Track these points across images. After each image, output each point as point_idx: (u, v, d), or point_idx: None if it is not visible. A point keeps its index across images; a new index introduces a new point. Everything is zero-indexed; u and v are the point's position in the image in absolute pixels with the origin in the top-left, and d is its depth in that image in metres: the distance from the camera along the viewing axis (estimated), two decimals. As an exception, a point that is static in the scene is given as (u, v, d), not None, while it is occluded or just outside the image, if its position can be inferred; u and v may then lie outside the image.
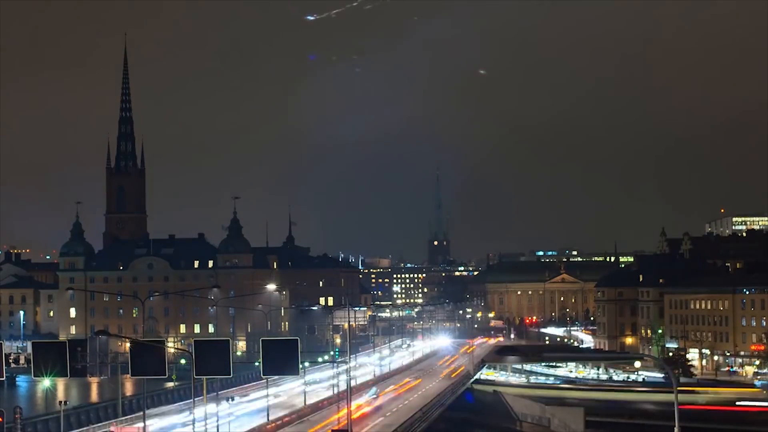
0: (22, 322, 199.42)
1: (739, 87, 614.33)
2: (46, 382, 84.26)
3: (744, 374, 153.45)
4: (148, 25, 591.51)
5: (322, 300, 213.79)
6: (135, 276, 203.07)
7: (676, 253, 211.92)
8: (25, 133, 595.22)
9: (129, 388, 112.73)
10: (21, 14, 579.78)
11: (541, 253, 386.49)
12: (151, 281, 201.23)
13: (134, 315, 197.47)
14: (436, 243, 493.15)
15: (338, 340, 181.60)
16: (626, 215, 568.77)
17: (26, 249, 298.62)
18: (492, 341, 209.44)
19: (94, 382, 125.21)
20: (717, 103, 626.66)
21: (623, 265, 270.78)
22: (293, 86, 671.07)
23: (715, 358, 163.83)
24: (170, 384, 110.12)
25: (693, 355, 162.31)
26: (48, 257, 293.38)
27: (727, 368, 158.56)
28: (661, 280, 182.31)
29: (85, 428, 76.72)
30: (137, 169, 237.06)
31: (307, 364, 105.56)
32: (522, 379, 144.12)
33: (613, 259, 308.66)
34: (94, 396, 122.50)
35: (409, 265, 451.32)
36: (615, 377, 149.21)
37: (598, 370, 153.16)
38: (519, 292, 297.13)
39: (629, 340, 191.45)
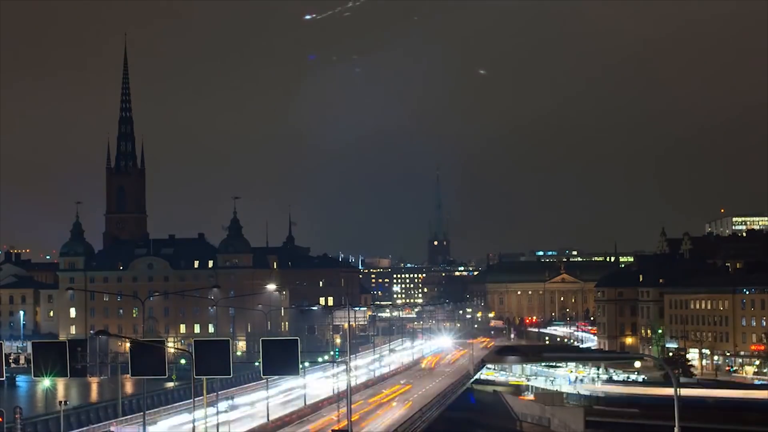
0: (22, 322, 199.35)
1: (739, 87, 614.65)
2: (46, 382, 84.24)
3: (744, 374, 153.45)
4: (148, 25, 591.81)
5: (322, 300, 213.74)
6: (135, 276, 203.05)
7: (676, 253, 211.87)
8: (25, 134, 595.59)
9: (129, 388, 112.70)
10: (21, 14, 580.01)
11: (541, 253, 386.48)
12: (151, 281, 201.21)
13: (134, 315, 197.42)
14: (436, 243, 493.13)
15: (338, 340, 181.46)
16: (626, 215, 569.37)
17: (26, 249, 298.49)
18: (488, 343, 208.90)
19: (94, 382, 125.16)
20: (717, 103, 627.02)
21: (623, 265, 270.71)
22: (293, 86, 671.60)
23: (715, 358, 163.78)
24: (170, 384, 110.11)
25: (693, 355, 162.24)
26: (48, 257, 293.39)
27: (727, 368, 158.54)
28: (661, 280, 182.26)
29: (85, 428, 76.72)
30: (137, 169, 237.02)
31: (307, 364, 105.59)
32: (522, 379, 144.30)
33: (613, 259, 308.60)
34: (94, 396, 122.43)
35: (409, 265, 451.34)
36: (615, 377, 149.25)
37: (598, 370, 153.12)
38: (519, 292, 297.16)
39: (629, 340, 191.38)
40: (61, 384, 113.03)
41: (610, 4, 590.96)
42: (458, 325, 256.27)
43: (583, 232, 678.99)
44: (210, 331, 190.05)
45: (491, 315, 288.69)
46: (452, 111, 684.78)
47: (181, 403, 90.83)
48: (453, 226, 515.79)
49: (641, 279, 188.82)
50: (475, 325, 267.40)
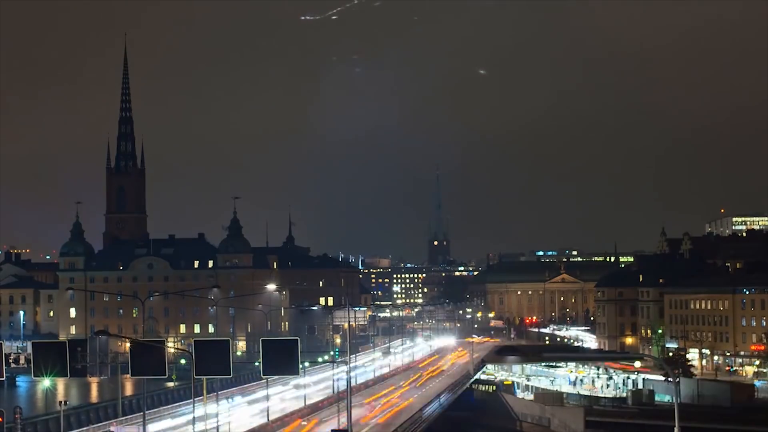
0: (22, 322, 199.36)
1: (740, 87, 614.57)
2: (46, 382, 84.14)
3: (744, 374, 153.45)
4: (148, 25, 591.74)
5: (322, 300, 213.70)
6: (135, 276, 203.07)
7: (676, 253, 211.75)
8: (26, 134, 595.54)
9: (129, 388, 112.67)
10: (21, 14, 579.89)
11: (541, 253, 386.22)
12: (151, 281, 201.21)
13: (134, 315, 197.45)
14: (436, 243, 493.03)
15: (338, 340, 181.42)
16: (626, 215, 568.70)
17: (26, 249, 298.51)
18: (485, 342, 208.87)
19: (94, 382, 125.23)
20: (717, 103, 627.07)
21: (623, 265, 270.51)
22: (293, 86, 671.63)
23: (715, 358, 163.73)
24: (170, 384, 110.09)
25: (693, 355, 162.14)
26: (48, 257, 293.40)
27: (727, 368, 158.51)
28: (661, 280, 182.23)
29: (85, 428, 76.62)
30: (137, 169, 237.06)
31: (307, 364, 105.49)
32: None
33: (613, 259, 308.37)
34: (94, 396, 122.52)
35: (409, 265, 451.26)
36: (615, 377, 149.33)
37: (598, 370, 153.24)
38: (519, 292, 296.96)
39: (629, 340, 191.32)
40: (61, 384, 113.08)
41: (611, 4, 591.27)
42: (458, 325, 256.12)
43: (583, 232, 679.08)
44: (210, 331, 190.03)
45: (491, 315, 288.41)
46: (452, 111, 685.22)
47: (180, 403, 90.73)
48: (453, 226, 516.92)
49: (641, 279, 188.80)
50: (475, 326, 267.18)
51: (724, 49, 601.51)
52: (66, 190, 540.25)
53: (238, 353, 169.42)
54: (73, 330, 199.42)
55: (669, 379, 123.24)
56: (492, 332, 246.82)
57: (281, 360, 52.93)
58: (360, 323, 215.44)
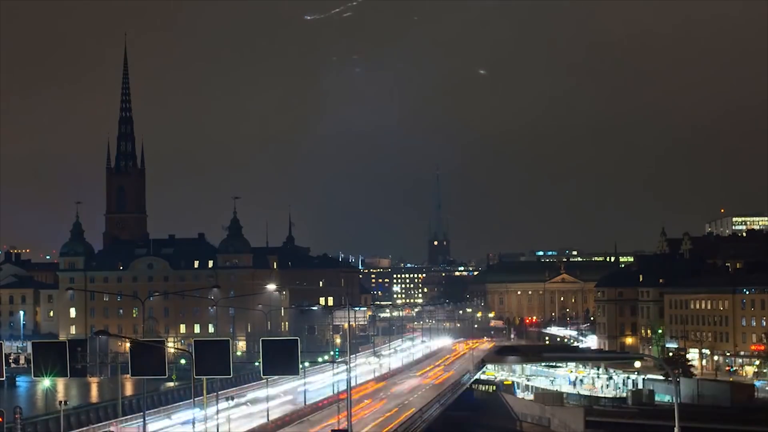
0: (22, 322, 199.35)
1: (739, 86, 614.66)
2: (46, 382, 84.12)
3: (744, 374, 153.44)
4: (148, 25, 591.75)
5: (322, 300, 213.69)
6: (135, 276, 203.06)
7: (676, 253, 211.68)
8: (26, 134, 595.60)
9: (129, 388, 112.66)
10: (21, 14, 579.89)
11: (541, 253, 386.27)
12: (151, 281, 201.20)
13: (134, 315, 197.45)
14: (436, 243, 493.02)
15: (338, 340, 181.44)
16: (626, 215, 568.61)
17: (26, 249, 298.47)
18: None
19: (94, 382, 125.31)
20: (717, 103, 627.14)
21: (623, 265, 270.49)
22: (293, 86, 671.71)
23: (715, 358, 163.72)
24: (170, 384, 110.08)
25: (693, 355, 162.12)
26: (48, 257, 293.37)
27: (727, 368, 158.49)
28: (661, 280, 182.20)
29: (85, 428, 76.62)
30: (137, 169, 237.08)
31: (307, 364, 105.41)
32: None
33: (613, 259, 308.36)
34: (94, 396, 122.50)
35: (409, 265, 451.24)
36: (615, 377, 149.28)
37: (598, 370, 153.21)
38: (519, 292, 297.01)
39: (629, 340, 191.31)
40: (61, 384, 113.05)
41: (610, 4, 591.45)
42: (458, 325, 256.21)
43: (583, 232, 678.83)
44: (210, 331, 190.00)
45: (491, 315, 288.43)
46: (452, 111, 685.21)
47: (180, 402, 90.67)
48: (453, 226, 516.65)
49: (641, 279, 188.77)
50: (475, 325, 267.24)
51: (724, 49, 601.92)
52: (66, 190, 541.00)
53: (238, 353, 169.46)
54: (73, 330, 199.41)
55: (669, 378, 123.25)
56: (492, 332, 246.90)
57: (281, 360, 52.89)
58: (360, 323, 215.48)
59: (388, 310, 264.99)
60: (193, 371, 53.05)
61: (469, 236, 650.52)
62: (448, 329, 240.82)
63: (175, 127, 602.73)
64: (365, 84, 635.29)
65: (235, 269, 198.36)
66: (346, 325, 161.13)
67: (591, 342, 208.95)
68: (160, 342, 57.04)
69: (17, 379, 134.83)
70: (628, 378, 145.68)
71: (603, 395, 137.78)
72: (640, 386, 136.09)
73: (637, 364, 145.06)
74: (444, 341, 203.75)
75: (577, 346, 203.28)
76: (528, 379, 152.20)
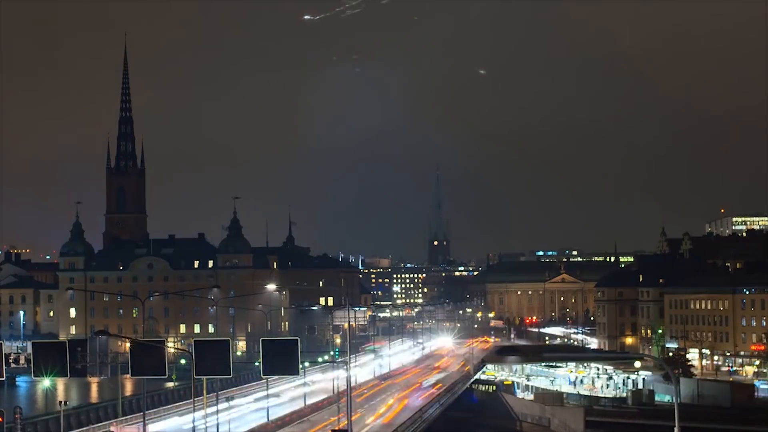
0: (22, 322, 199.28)
1: (739, 86, 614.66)
2: (46, 382, 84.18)
3: (744, 374, 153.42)
4: (148, 25, 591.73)
5: (322, 300, 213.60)
6: (135, 276, 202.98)
7: (676, 253, 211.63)
8: (25, 133, 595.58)
9: (129, 388, 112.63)
10: (21, 14, 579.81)
11: (541, 253, 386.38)
12: (151, 281, 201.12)
13: (134, 315, 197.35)
14: (436, 243, 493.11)
15: (338, 340, 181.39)
16: (626, 215, 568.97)
17: (26, 249, 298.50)
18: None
19: (94, 382, 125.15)
20: (717, 103, 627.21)
21: (623, 265, 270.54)
22: (293, 86, 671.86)
23: (715, 358, 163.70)
24: (170, 384, 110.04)
25: (693, 355, 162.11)
26: (48, 257, 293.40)
27: (727, 368, 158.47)
28: (661, 280, 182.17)
29: (85, 428, 76.65)
30: (137, 169, 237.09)
31: (307, 364, 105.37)
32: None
33: (613, 259, 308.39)
34: (94, 396, 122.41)
35: (409, 265, 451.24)
36: (615, 377, 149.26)
37: (598, 370, 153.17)
38: (519, 292, 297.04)
39: (629, 340, 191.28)
40: (61, 384, 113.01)
41: (610, 4, 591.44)
42: (458, 325, 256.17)
43: (583, 232, 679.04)
44: (210, 331, 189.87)
45: (491, 315, 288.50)
46: (452, 111, 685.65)
47: (181, 402, 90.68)
48: (453, 226, 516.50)
49: (641, 279, 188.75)
50: (475, 325, 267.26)
51: (724, 49, 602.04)
52: (66, 190, 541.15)
53: (238, 353, 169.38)
54: (73, 330, 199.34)
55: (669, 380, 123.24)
56: (492, 332, 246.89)
57: (281, 360, 52.88)
58: (360, 323, 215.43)
59: (388, 310, 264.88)
60: (193, 371, 53.05)
61: (469, 236, 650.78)
62: (448, 329, 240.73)
63: (175, 127, 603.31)
64: (365, 84, 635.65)
65: (235, 269, 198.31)
66: (346, 325, 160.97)
67: (591, 342, 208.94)
68: (160, 342, 57.05)
69: (17, 379, 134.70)
70: (628, 378, 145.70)
71: (603, 395, 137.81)
72: (640, 386, 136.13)
73: (638, 364, 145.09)
74: (444, 341, 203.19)
75: (578, 346, 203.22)
76: (528, 379, 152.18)
